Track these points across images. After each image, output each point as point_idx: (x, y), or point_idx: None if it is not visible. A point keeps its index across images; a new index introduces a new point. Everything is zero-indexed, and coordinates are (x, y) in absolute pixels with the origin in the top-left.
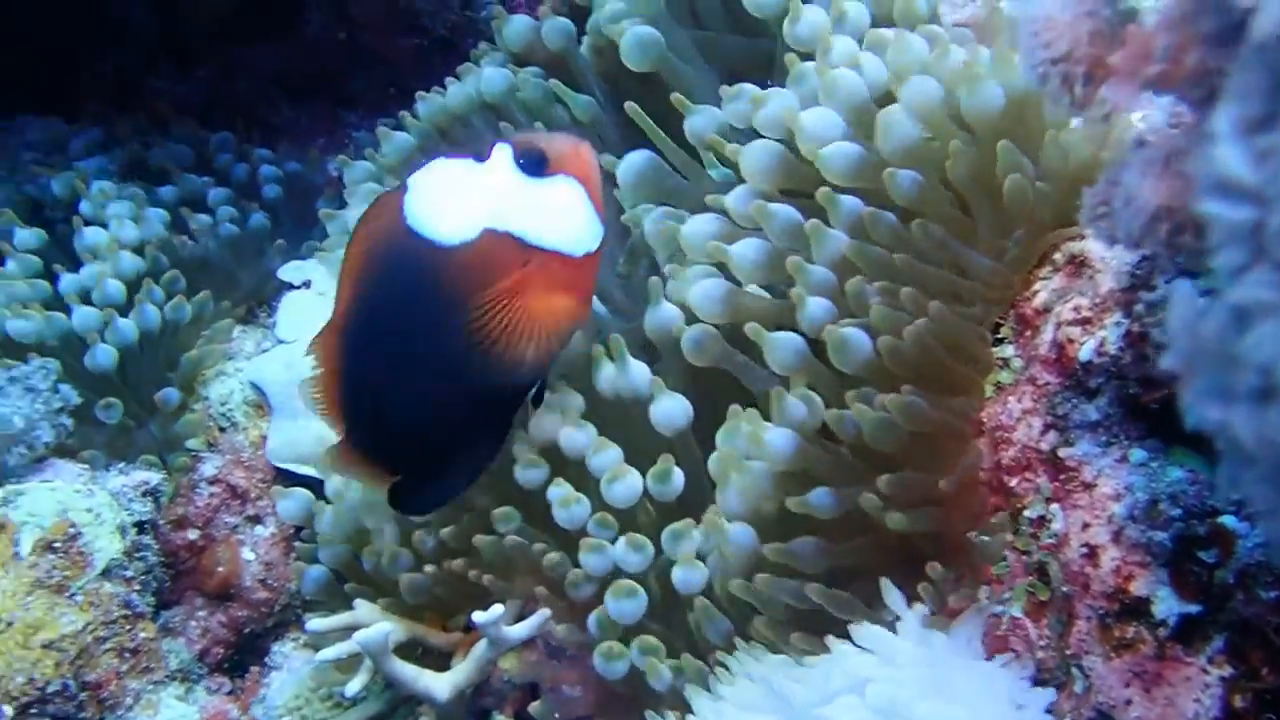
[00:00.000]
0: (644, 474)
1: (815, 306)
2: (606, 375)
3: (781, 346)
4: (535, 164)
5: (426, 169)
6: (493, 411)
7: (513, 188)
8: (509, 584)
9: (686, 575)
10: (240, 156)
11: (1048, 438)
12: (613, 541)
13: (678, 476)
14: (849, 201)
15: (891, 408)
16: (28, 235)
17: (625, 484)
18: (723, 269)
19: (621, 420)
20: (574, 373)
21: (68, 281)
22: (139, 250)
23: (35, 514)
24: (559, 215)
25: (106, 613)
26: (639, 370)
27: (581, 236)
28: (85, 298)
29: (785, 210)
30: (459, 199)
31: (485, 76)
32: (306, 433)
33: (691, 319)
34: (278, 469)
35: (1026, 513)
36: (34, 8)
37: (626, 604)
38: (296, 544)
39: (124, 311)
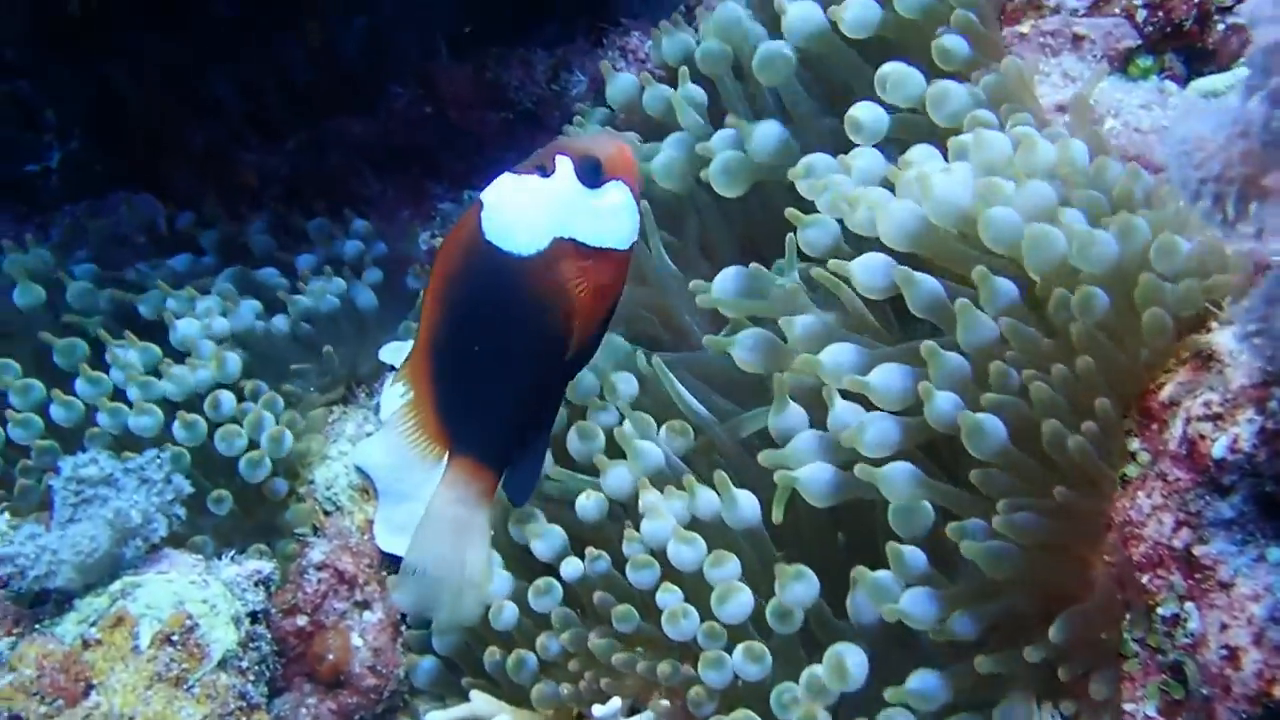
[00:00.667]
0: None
1: (944, 402)
2: (706, 500)
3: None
4: (593, 173)
5: (498, 186)
6: (557, 390)
7: (576, 198)
8: (623, 683)
9: None
10: (332, 234)
11: (1181, 535)
12: (727, 650)
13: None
14: (1004, 285)
15: (1006, 529)
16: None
17: (737, 603)
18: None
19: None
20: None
21: (176, 384)
22: (235, 339)
23: (153, 606)
24: (613, 217)
25: (223, 705)
26: (748, 502)
27: (629, 232)
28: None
29: (929, 282)
30: (531, 213)
31: None
32: (414, 516)
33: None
34: (385, 553)
35: (1160, 610)
36: (132, 84)
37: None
38: (405, 631)
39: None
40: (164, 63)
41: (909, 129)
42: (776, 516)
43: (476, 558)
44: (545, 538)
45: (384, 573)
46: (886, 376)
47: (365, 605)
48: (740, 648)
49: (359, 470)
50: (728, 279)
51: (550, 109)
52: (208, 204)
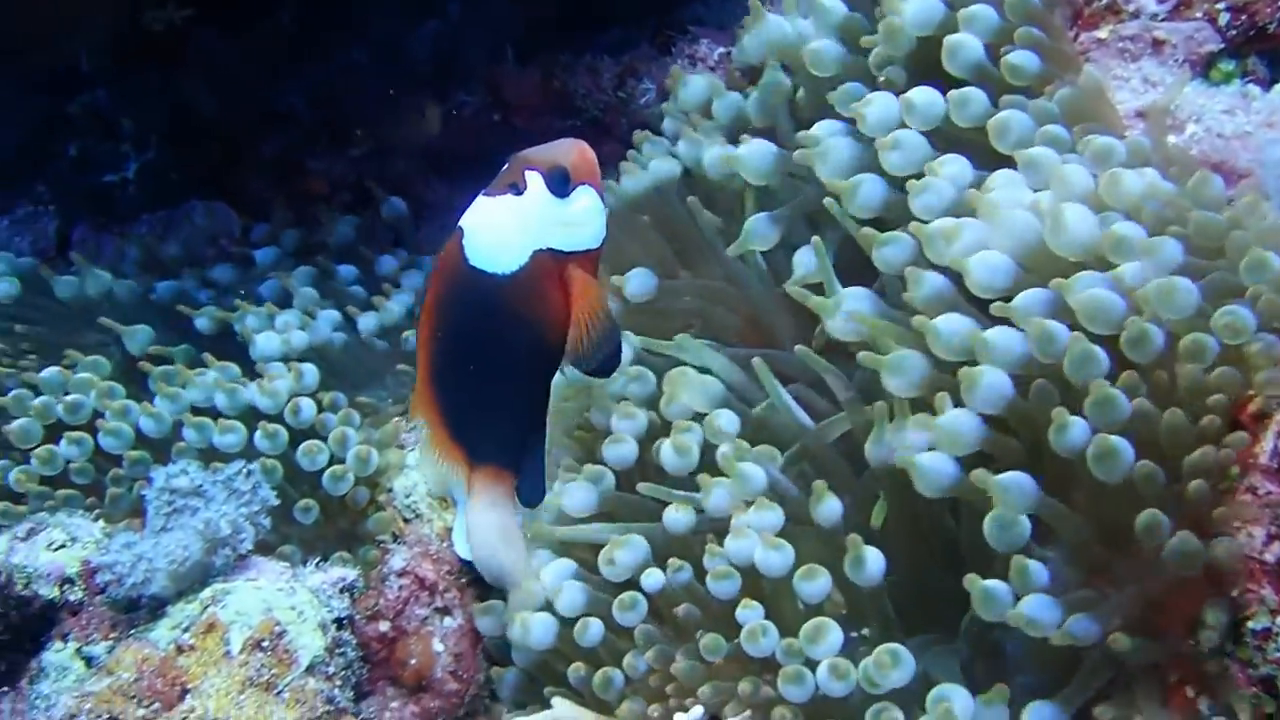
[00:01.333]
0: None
1: (1078, 429)
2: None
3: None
4: (562, 183)
5: (474, 211)
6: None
7: (549, 210)
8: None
9: None
10: (398, 242)
11: (1272, 549)
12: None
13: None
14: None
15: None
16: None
17: (828, 644)
18: None
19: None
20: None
21: (259, 399)
22: (313, 350)
23: (242, 613)
24: (585, 222)
25: (312, 709)
26: (875, 561)
27: (600, 231)
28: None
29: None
30: (509, 232)
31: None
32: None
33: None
34: (464, 561)
35: (1251, 624)
36: (204, 93)
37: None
38: (487, 640)
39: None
40: (235, 71)
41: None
42: (876, 520)
43: (519, 551)
44: (629, 547)
45: (463, 579)
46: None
47: (446, 611)
48: (825, 665)
49: None
50: (862, 300)
51: (617, 116)
52: (278, 211)
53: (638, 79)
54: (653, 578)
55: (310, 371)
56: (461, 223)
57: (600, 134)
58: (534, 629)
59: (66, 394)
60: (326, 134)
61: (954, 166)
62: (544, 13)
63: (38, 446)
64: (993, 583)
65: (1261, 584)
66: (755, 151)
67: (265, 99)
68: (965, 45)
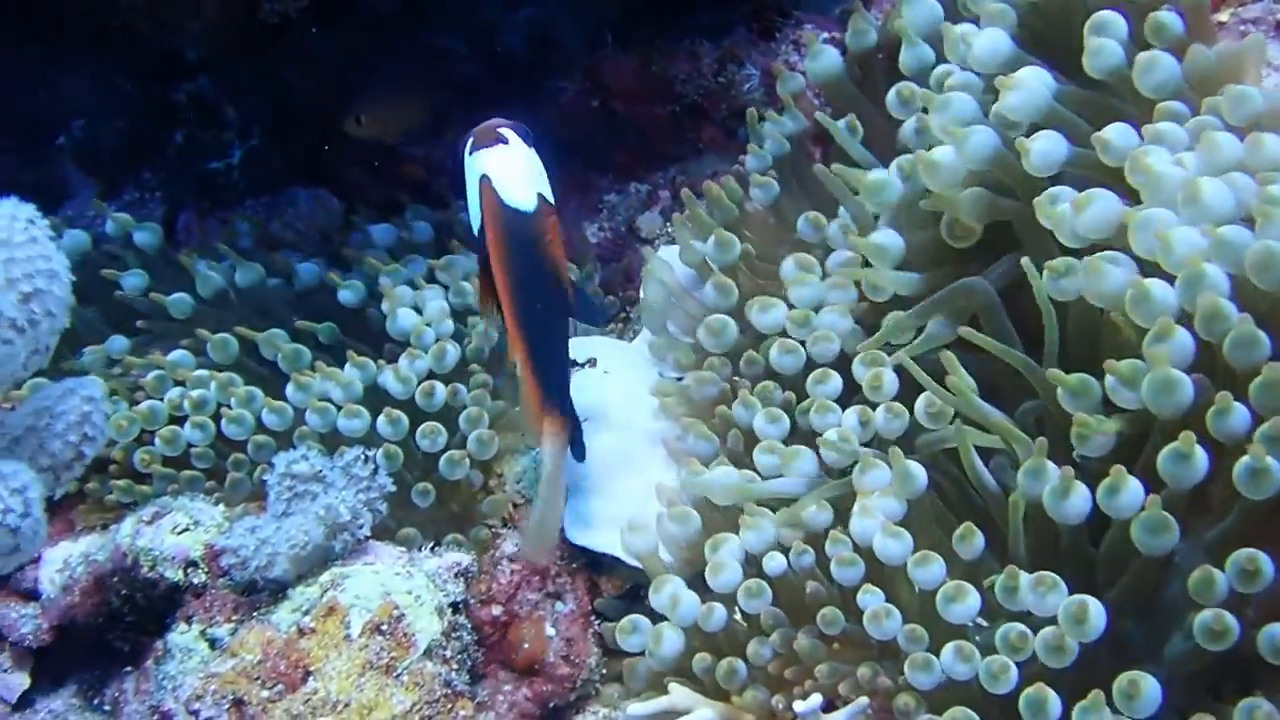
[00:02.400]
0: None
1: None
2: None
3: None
4: (528, 137)
5: (488, 159)
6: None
7: (533, 159)
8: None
9: None
10: None
11: None
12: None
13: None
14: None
15: None
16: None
17: (965, 606)
18: None
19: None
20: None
21: (392, 384)
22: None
23: (361, 597)
24: (545, 175)
25: (430, 692)
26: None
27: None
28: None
29: None
30: (519, 176)
31: None
32: (604, 511)
33: None
34: (575, 545)
35: None
36: (303, 80)
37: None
38: (606, 625)
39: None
40: (331, 58)
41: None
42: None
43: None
44: (758, 530)
45: (574, 564)
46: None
47: (557, 596)
48: (950, 647)
49: None
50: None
51: (717, 102)
52: (374, 197)
53: (738, 65)
54: (775, 561)
55: (453, 351)
56: (484, 170)
57: (699, 119)
58: (665, 640)
59: (184, 381)
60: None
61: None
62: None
63: (163, 428)
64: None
65: None
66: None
67: (361, 85)
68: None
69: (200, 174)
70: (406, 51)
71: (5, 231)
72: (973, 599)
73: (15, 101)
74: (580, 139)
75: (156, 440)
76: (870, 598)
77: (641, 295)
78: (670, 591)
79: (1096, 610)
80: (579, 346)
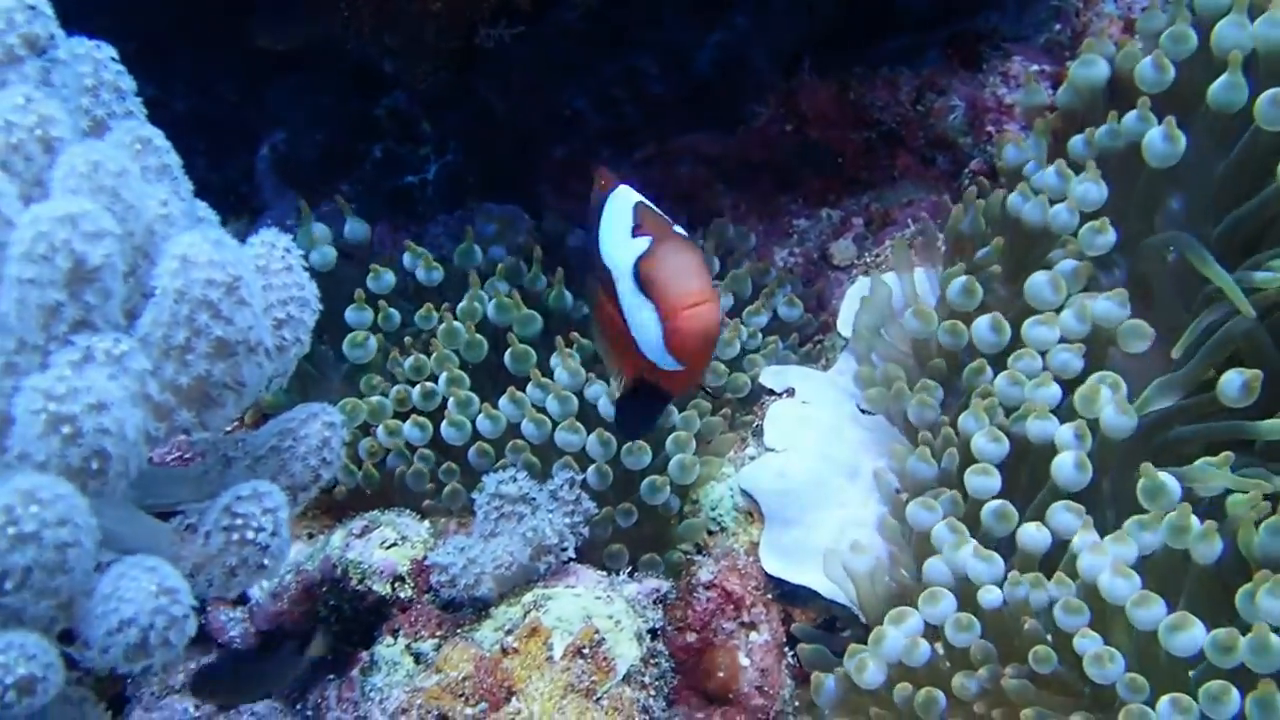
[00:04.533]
0: None
1: None
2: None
3: None
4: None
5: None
6: None
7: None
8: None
9: None
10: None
11: None
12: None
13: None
14: None
15: None
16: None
17: (1188, 636)
18: None
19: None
20: None
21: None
22: None
23: (563, 619)
24: None
25: (629, 717)
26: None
27: None
28: None
29: None
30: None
31: None
32: (801, 543)
33: None
34: (771, 577)
35: None
36: (498, 96)
37: None
38: (801, 648)
39: None
40: (525, 73)
41: None
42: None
43: None
44: (990, 562)
45: (769, 595)
46: None
47: (752, 626)
48: (1167, 699)
49: (744, 493)
50: None
51: (914, 130)
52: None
53: (937, 93)
54: (991, 594)
55: None
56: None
57: (895, 146)
58: (869, 670)
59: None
60: (611, 139)
61: None
62: (825, 25)
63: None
64: None
65: None
66: None
67: (553, 101)
68: None
69: (395, 188)
70: (599, 69)
71: (264, 259)
72: (1197, 630)
73: (217, 109)
74: (771, 162)
75: (380, 431)
76: (1088, 642)
77: (848, 321)
78: (876, 635)
79: None
80: (775, 376)
